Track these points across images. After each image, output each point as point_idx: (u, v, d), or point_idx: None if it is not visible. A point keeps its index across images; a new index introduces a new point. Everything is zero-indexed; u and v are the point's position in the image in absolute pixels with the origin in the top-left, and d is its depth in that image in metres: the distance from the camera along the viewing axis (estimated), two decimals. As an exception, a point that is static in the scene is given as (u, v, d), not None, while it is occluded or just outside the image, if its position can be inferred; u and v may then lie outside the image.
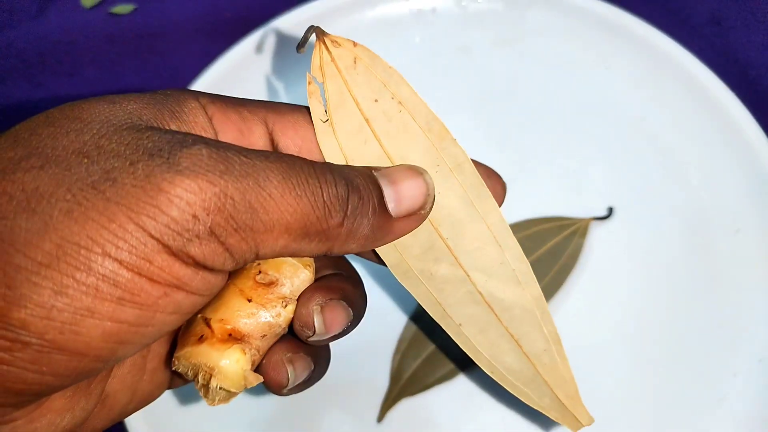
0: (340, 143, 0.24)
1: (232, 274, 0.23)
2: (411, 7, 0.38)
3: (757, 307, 0.33)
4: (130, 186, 0.17)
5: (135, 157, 0.18)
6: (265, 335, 0.22)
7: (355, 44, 0.24)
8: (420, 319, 0.34)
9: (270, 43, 0.38)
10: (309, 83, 0.24)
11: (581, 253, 0.35)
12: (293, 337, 0.23)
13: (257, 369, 0.23)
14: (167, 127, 0.20)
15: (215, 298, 0.23)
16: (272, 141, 0.23)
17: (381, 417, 0.33)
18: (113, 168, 0.17)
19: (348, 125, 0.24)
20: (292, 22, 0.37)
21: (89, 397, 0.21)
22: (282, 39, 0.38)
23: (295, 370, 0.23)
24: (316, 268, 0.24)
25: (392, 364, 0.34)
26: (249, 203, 0.18)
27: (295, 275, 0.23)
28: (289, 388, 0.23)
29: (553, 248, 0.34)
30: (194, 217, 0.18)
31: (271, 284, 0.23)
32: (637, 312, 0.34)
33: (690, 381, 0.33)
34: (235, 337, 0.22)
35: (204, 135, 0.21)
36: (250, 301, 0.22)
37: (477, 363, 0.26)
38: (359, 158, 0.24)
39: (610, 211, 0.35)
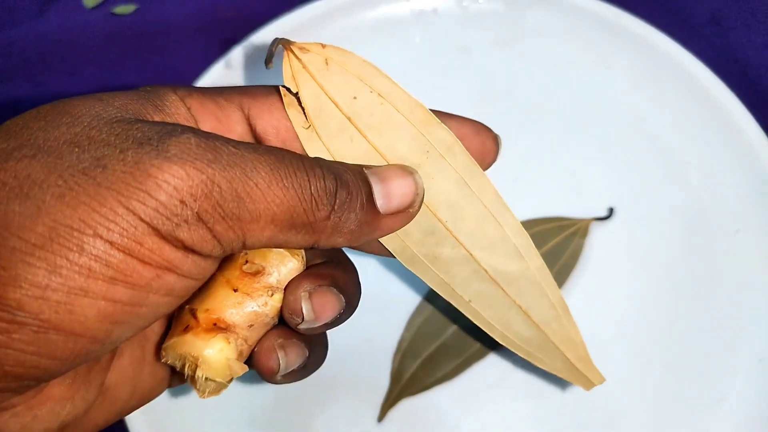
0: (327, 146, 0.24)
1: (221, 265, 0.23)
2: (412, 8, 0.38)
3: (757, 307, 0.34)
4: (120, 172, 0.18)
5: (125, 146, 0.18)
6: (252, 325, 0.22)
7: (323, 46, 0.24)
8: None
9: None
10: (284, 95, 0.24)
11: (581, 254, 0.35)
12: (287, 326, 0.23)
13: (250, 359, 0.23)
14: (153, 120, 0.21)
15: (203, 289, 0.23)
16: (250, 125, 0.24)
17: (381, 417, 0.33)
18: (103, 156, 0.18)
19: (331, 127, 0.24)
20: (293, 23, 0.37)
21: (89, 387, 0.21)
22: (282, 39, 0.38)
23: (286, 356, 0.23)
24: (307, 259, 0.24)
25: (393, 363, 0.34)
26: (236, 192, 0.19)
27: (282, 264, 0.23)
28: (281, 374, 0.23)
29: (553, 249, 0.35)
30: (182, 202, 0.18)
31: (257, 273, 0.23)
32: (638, 312, 0.34)
33: (690, 381, 0.33)
34: (220, 327, 0.22)
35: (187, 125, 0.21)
36: (236, 290, 0.22)
37: (490, 334, 0.27)
38: (348, 157, 0.24)
39: (611, 211, 0.35)
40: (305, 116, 0.24)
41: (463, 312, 0.26)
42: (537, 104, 0.37)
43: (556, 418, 0.33)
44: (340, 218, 0.21)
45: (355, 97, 0.24)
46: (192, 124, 0.22)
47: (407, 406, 0.33)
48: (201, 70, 0.37)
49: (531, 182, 0.36)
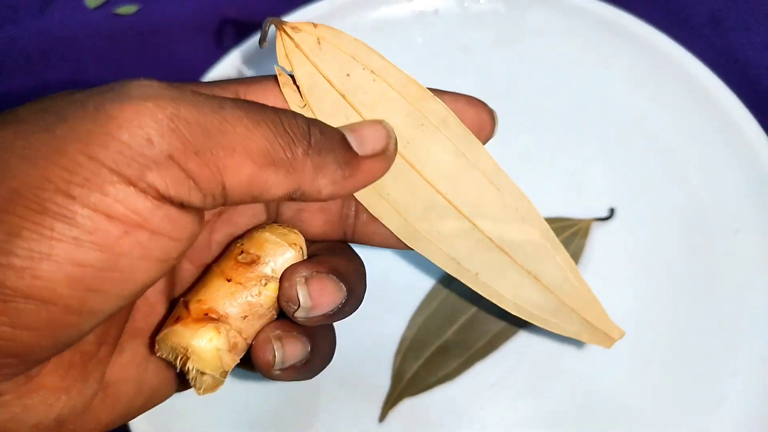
0: None
1: (218, 258, 0.23)
2: (413, 9, 0.38)
3: (757, 307, 0.34)
4: (80, 120, 0.17)
5: (87, 99, 0.18)
6: (246, 316, 0.22)
7: (315, 25, 0.24)
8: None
9: (272, 44, 0.38)
10: (279, 75, 0.24)
11: (582, 254, 0.35)
12: (289, 319, 0.23)
13: (249, 355, 0.22)
14: None
15: (199, 282, 0.23)
16: None
17: (382, 417, 0.33)
18: (66, 111, 0.17)
19: (326, 105, 0.24)
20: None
21: (87, 380, 0.21)
22: (283, 39, 0.38)
23: (283, 347, 0.22)
24: (309, 252, 0.24)
25: (394, 363, 0.34)
26: (203, 126, 0.18)
27: (279, 254, 0.23)
28: (278, 368, 0.22)
29: (553, 248, 0.34)
30: (148, 140, 0.17)
31: (252, 263, 0.22)
32: (638, 312, 0.34)
33: (690, 381, 0.33)
34: (211, 317, 0.21)
35: None
36: (229, 281, 0.22)
37: (501, 306, 0.26)
38: None
39: (612, 212, 0.35)
40: (300, 95, 0.24)
41: (471, 287, 0.25)
42: (537, 104, 0.37)
43: (556, 418, 0.33)
44: (319, 154, 0.20)
45: (348, 75, 0.24)
46: None
47: (408, 406, 0.33)
48: (202, 70, 0.37)
49: (531, 182, 0.36)
